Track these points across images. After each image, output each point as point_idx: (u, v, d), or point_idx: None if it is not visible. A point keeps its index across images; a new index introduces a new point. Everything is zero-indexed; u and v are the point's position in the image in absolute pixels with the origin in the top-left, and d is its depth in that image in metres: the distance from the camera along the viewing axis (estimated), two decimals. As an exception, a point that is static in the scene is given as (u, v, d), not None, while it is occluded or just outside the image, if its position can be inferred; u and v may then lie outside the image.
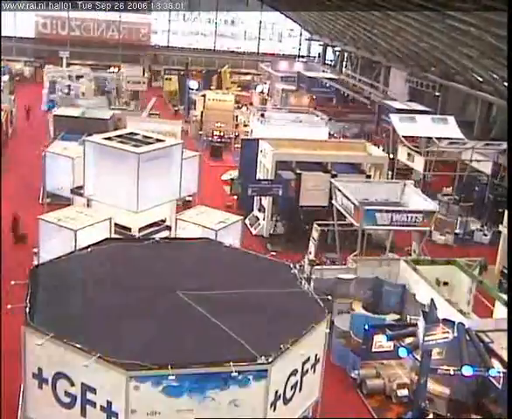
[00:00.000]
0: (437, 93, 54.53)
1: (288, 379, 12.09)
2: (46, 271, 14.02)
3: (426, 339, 16.66)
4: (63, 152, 27.48)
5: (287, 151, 34.10)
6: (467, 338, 17.72)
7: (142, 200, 20.57)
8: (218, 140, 48.77)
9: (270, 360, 11.33)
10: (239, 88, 67.49)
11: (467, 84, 49.93)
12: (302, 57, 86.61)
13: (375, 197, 28.71)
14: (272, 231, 33.08)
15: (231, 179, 38.83)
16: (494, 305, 22.34)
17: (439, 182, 40.78)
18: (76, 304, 12.55)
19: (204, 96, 52.81)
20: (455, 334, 17.26)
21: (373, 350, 20.56)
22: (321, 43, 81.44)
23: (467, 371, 16.86)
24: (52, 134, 38.54)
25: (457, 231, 35.03)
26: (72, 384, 11.30)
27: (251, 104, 56.94)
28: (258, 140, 35.43)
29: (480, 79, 48.14)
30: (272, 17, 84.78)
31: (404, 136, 41.30)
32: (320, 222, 29.30)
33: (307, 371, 12.60)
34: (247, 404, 11.44)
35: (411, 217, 26.52)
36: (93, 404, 11.21)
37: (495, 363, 17.48)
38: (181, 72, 65.48)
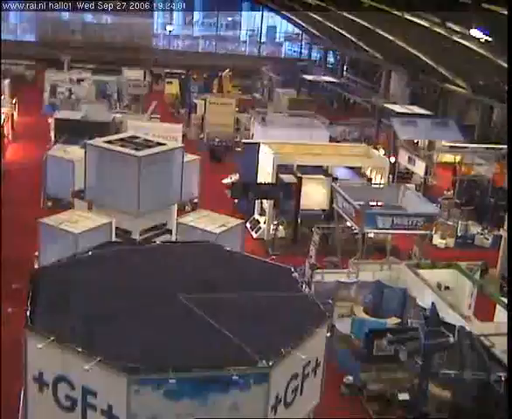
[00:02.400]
0: (438, 97, 54.60)
1: (289, 382, 12.07)
2: (47, 274, 14.01)
3: (427, 343, 16.67)
4: (64, 155, 27.55)
5: (288, 155, 34.12)
6: (468, 342, 17.71)
7: (143, 203, 20.58)
8: (219, 143, 48.77)
9: (271, 363, 11.30)
10: (240, 92, 67.56)
11: (468, 87, 49.99)
12: (303, 60, 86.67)
13: (376, 201, 28.75)
14: (273, 235, 33.09)
15: (232, 183, 38.84)
16: (495, 309, 22.34)
17: (440, 185, 40.83)
18: (77, 307, 12.54)
19: (204, 100, 52.83)
20: (456, 338, 17.27)
21: (374, 354, 20.57)
22: (322, 46, 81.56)
23: (468, 375, 16.86)
24: (53, 138, 38.59)
25: (458, 235, 35.04)
26: (73, 388, 11.29)
27: (252, 107, 56.94)
28: (259, 143, 35.45)
29: (481, 83, 48.21)
30: (273, 20, 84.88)
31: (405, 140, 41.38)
32: (320, 225, 29.31)
33: (307, 375, 12.59)
34: (248, 408, 11.42)
35: (412, 221, 26.54)
36: (94, 408, 11.18)
37: (496, 367, 17.47)
38: (182, 75, 65.53)
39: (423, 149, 42.05)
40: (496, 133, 48.64)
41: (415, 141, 44.63)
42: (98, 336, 11.82)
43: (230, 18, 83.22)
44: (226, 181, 41.02)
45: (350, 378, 21.01)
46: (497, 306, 22.02)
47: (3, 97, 45.89)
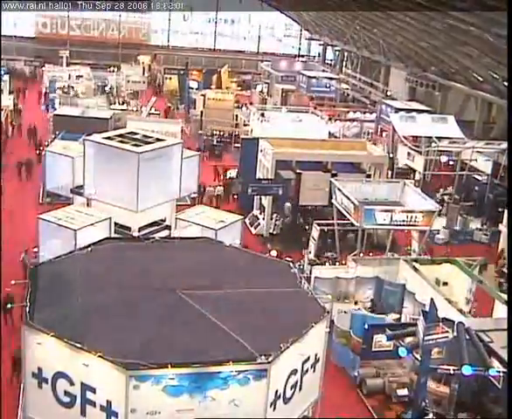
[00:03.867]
0: (437, 93, 54.53)
1: (288, 378, 12.09)
2: (46, 270, 14.02)
3: (426, 338, 16.67)
4: (63, 151, 27.47)
5: (287, 150, 34.08)
6: (467, 337, 17.71)
7: (142, 199, 20.56)
8: (218, 139, 48.73)
9: (270, 359, 11.33)
10: (239, 88, 67.47)
11: (467, 83, 49.93)
12: (302, 56, 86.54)
13: (375, 197, 28.74)
14: (272, 231, 33.09)
15: (230, 178, 38.84)
16: (493, 305, 22.34)
17: (439, 181, 40.77)
18: (76, 303, 12.54)
19: (204, 95, 52.79)
20: (455, 334, 17.28)
21: (373, 350, 20.58)
22: (321, 42, 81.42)
23: (467, 370, 16.87)
24: (52, 134, 38.56)
25: (457, 230, 35.06)
26: (72, 383, 11.30)
27: (251, 103, 56.89)
28: (258, 139, 35.41)
29: (480, 79, 48.15)
30: (272, 16, 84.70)
31: (404, 135, 41.35)
32: (320, 221, 29.31)
33: (307, 370, 12.60)
34: (247, 404, 11.44)
35: (411, 217, 26.54)
36: (93, 404, 11.21)
37: (495, 362, 17.49)
38: (181, 71, 65.47)
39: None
40: (495, 130, 48.66)
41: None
42: (97, 332, 11.83)
43: (229, 15, 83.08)
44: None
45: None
46: (496, 302, 22.02)
47: (2, 93, 45.79)
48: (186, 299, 12.82)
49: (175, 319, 12.41)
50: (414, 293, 22.64)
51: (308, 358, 12.59)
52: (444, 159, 39.57)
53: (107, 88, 56.12)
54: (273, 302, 13.30)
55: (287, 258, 17.04)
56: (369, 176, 34.03)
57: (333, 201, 29.09)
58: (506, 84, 42.13)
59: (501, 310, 21.13)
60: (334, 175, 31.60)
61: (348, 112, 55.33)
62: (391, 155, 40.12)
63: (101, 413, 11.16)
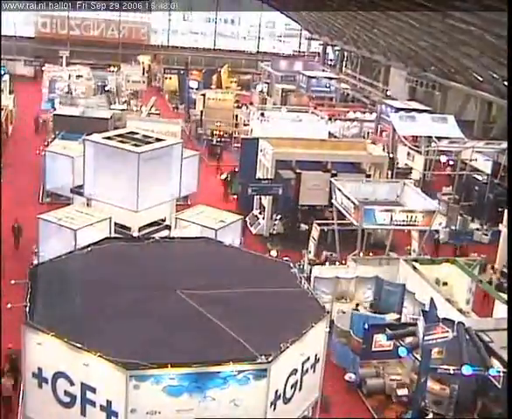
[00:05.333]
0: (437, 93, 54.53)
1: (288, 378, 12.10)
2: (46, 270, 14.02)
3: (426, 338, 16.66)
4: (63, 151, 27.52)
5: (287, 150, 34.06)
6: (467, 337, 17.71)
7: (142, 199, 20.58)
8: (218, 139, 48.69)
9: (270, 359, 11.33)
10: (239, 87, 67.45)
11: (467, 83, 49.93)
12: (303, 56, 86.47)
13: (375, 197, 28.73)
14: (271, 231, 33.06)
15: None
16: (493, 305, 22.33)
17: (439, 181, 40.77)
18: (76, 303, 12.55)
19: (203, 95, 52.78)
20: (455, 334, 17.27)
21: (373, 349, 20.56)
22: (321, 42, 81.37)
23: (467, 370, 16.86)
24: (52, 134, 38.56)
25: (456, 230, 35.01)
26: (72, 383, 11.30)
27: (251, 103, 56.86)
28: (258, 139, 35.39)
29: (480, 79, 48.15)
30: (272, 16, 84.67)
31: (403, 135, 41.33)
32: (319, 221, 29.29)
33: (307, 370, 12.61)
34: (247, 403, 11.44)
35: (411, 217, 26.53)
36: (93, 403, 11.21)
37: (495, 362, 17.48)
38: (181, 71, 65.44)
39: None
40: (495, 129, 48.67)
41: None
42: (97, 332, 11.83)
43: (229, 14, 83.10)
44: (224, 176, 40.96)
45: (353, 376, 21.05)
46: (496, 302, 22.02)
47: (2, 93, 45.74)
48: (186, 299, 12.83)
49: (175, 318, 12.42)
50: (414, 293, 22.64)
51: (308, 358, 12.59)
52: (443, 159, 39.54)
53: (106, 88, 56.03)
54: (273, 302, 13.30)
55: (287, 258, 17.01)
56: (369, 176, 34.00)
57: (333, 201, 29.08)
58: (506, 84, 42.13)
59: (501, 310, 21.13)
60: (334, 175, 31.57)
61: (347, 112, 55.28)
62: (391, 155, 40.09)
63: (101, 413, 11.17)
